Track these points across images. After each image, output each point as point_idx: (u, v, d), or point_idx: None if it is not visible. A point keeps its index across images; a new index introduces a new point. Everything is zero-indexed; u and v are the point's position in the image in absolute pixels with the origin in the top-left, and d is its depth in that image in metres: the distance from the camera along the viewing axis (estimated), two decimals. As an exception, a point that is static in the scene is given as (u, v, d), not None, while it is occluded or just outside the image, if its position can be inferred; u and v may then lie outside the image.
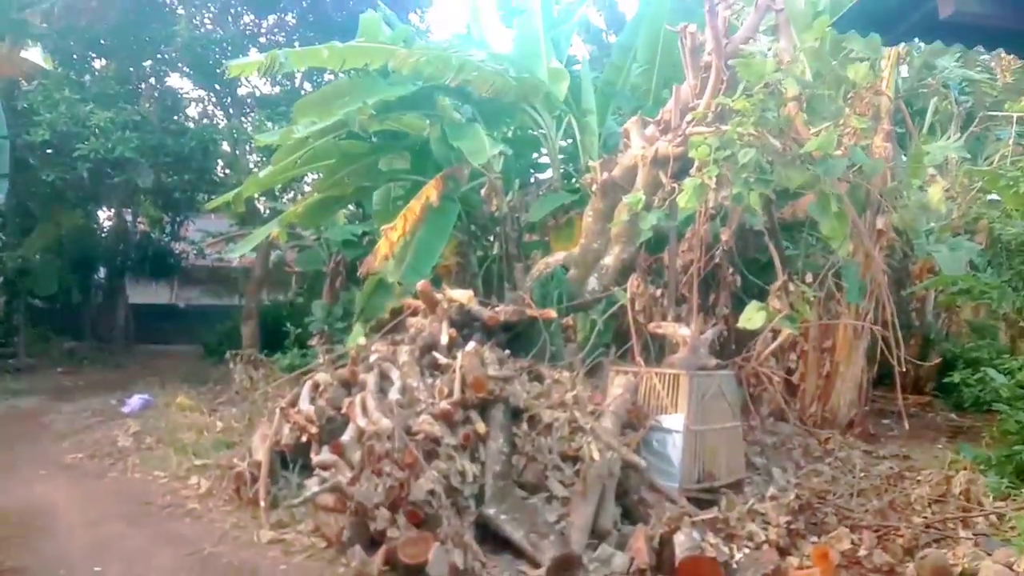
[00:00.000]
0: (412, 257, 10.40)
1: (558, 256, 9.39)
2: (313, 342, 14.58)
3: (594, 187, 9.06)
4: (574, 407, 6.60)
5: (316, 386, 7.74)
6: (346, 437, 6.50)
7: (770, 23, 8.51)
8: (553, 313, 8.11)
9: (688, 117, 7.96)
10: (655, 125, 8.62)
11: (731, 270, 9.86)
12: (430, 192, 10.11)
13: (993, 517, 6.65)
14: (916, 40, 4.14)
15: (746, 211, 8.51)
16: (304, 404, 7.43)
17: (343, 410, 6.97)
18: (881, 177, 10.72)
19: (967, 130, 16.08)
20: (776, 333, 8.95)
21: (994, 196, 12.78)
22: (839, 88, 7.76)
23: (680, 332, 7.58)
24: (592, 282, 8.87)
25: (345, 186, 12.34)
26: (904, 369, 7.99)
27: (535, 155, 13.93)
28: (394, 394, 6.71)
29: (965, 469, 7.07)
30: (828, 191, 7.17)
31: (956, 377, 10.36)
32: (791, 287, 8.11)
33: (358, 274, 11.11)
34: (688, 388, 7.03)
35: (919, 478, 7.89)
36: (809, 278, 9.20)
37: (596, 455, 5.95)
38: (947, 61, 15.32)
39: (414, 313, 8.83)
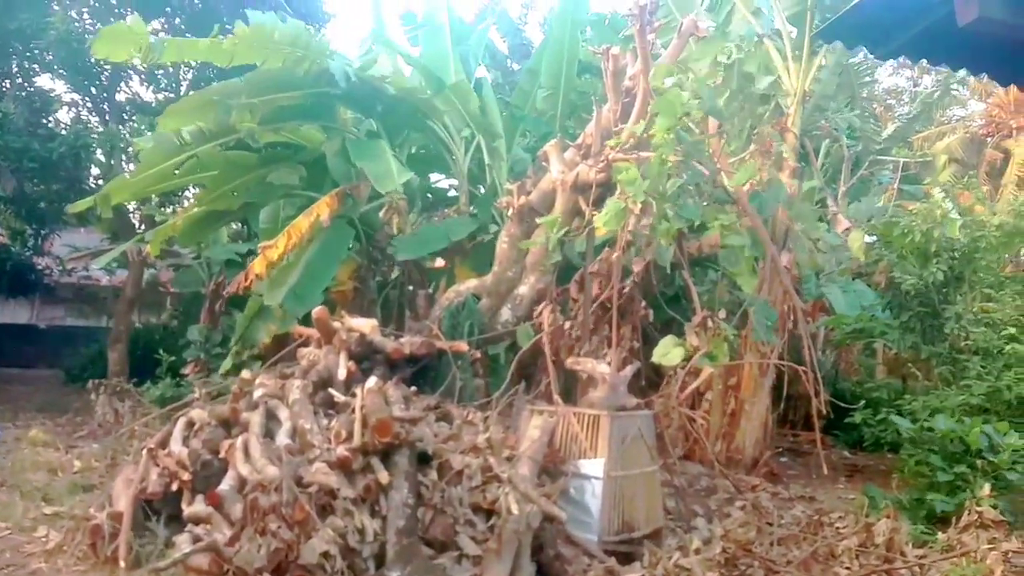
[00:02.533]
0: (298, 280, 9.59)
1: (470, 284, 8.77)
2: (187, 371, 13.43)
3: (510, 212, 8.53)
4: (488, 452, 5.96)
5: (190, 424, 6.82)
6: (225, 486, 5.64)
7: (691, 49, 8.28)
8: (464, 346, 7.50)
9: (611, 142, 7.56)
10: (575, 149, 8.18)
11: (643, 303, 9.50)
12: (321, 209, 9.38)
13: (916, 568, 6.42)
14: (909, 57, 3.68)
15: (659, 244, 8.18)
16: (176, 445, 6.50)
17: (222, 454, 6.09)
18: (786, 214, 10.70)
19: (856, 174, 16.58)
20: (692, 371, 8.62)
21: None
22: (746, 120, 7.59)
23: (599, 369, 7.08)
24: (505, 313, 8.30)
25: (231, 200, 11.35)
26: (826, 411, 7.76)
27: (433, 176, 13.34)
28: (283, 437, 5.91)
29: (888, 517, 6.81)
30: (749, 232, 6.93)
31: (857, 417, 10.34)
32: (709, 323, 7.76)
33: (223, 293, 10.16)
34: (608, 430, 6.52)
35: (837, 525, 7.67)
36: (723, 314, 8.94)
37: (515, 507, 5.32)
38: (838, 104, 15.79)
39: (305, 343, 8.02)
